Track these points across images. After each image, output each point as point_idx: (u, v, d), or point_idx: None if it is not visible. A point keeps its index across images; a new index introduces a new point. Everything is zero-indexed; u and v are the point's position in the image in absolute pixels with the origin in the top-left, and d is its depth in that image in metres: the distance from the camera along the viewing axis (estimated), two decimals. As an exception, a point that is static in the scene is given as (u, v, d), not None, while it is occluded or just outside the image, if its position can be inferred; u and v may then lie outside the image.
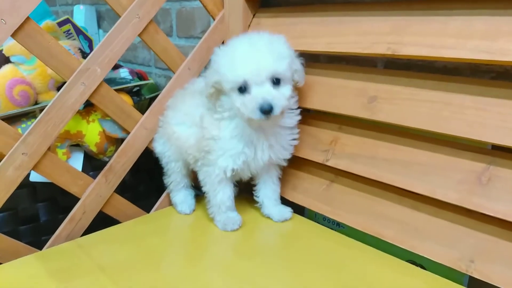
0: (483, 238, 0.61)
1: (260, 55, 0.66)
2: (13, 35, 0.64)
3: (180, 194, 0.86)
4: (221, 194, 0.76)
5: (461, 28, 0.59)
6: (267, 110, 0.64)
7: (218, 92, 0.71)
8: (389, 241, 0.69)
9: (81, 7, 1.47)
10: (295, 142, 0.77)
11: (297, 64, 0.71)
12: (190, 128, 0.77)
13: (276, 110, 0.65)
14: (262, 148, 0.73)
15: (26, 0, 0.64)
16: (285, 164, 0.79)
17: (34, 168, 0.71)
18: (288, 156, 0.78)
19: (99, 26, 1.52)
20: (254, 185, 0.83)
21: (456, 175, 0.63)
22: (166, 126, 0.82)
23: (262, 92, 0.65)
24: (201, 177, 0.78)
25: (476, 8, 0.59)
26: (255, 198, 0.83)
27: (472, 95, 0.61)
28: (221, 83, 0.68)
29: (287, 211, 0.82)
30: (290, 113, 0.74)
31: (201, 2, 0.87)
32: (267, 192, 0.82)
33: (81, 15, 1.47)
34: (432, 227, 0.66)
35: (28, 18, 0.65)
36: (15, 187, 0.69)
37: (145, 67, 1.35)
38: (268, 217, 0.82)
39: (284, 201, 0.85)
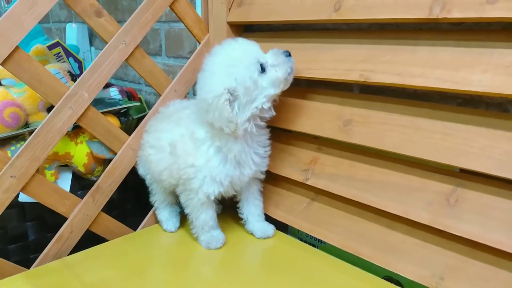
0: (452, 256, 0.64)
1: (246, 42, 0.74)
2: (3, 64, 0.67)
3: (165, 211, 0.88)
4: (203, 215, 0.78)
5: (427, 58, 0.62)
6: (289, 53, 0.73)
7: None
8: (366, 259, 0.72)
9: (74, 25, 1.50)
10: (269, 151, 0.80)
11: None
12: (159, 153, 0.79)
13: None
14: (249, 164, 0.76)
15: (14, 30, 0.67)
16: (263, 176, 0.83)
17: (23, 190, 0.73)
18: (266, 168, 0.81)
19: (91, 44, 1.55)
20: (238, 202, 0.86)
21: (426, 196, 0.66)
22: (143, 149, 0.85)
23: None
24: (182, 200, 0.80)
25: (441, 39, 0.62)
26: (239, 215, 0.86)
27: (440, 120, 0.64)
28: (243, 83, 0.68)
29: (270, 228, 0.85)
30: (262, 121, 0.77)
31: (186, 26, 0.90)
32: (251, 209, 0.85)
33: (73, 33, 1.50)
34: (406, 246, 0.69)
35: (17, 47, 0.68)
36: (3, 209, 0.71)
37: (135, 84, 1.38)
38: (252, 233, 0.84)
39: (268, 218, 0.88)
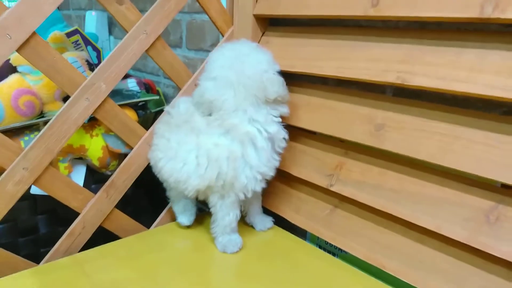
0: (488, 278, 0.59)
1: None
2: (19, 50, 0.64)
3: (180, 204, 0.84)
4: (231, 215, 0.75)
5: (474, 61, 0.57)
6: None
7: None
8: (392, 274, 0.67)
9: (93, 13, 1.47)
10: None
11: None
12: (175, 163, 0.74)
13: None
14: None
15: (32, 15, 0.63)
16: None
17: (35, 183, 0.70)
18: None
19: (110, 33, 1.53)
20: None
21: (463, 212, 0.61)
22: (154, 151, 0.79)
23: None
24: (213, 200, 0.75)
25: (491, 41, 0.57)
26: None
27: (483, 130, 0.59)
28: None
29: (269, 220, 0.86)
30: None
31: (210, 18, 0.86)
32: (253, 201, 0.84)
33: (92, 21, 1.47)
34: (437, 263, 0.64)
35: (34, 33, 0.64)
36: (14, 202, 0.68)
37: (154, 76, 1.35)
38: (251, 226, 0.86)
39: (286, 223, 0.85)
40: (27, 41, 0.64)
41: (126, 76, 1.10)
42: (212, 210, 0.77)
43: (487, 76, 0.55)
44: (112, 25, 1.52)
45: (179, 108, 0.77)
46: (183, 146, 0.73)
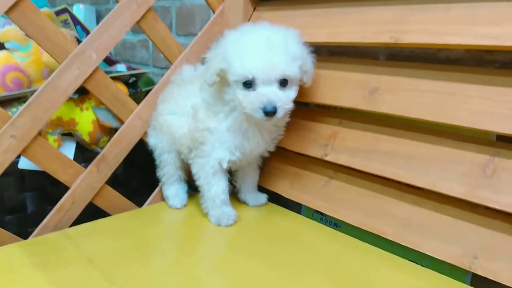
0: (487, 233, 0.59)
1: (274, 54, 0.63)
2: (7, 13, 0.63)
3: (172, 187, 0.84)
4: (215, 187, 0.74)
5: (464, 15, 0.58)
6: (270, 112, 0.63)
7: (221, 82, 0.68)
8: (390, 239, 0.67)
9: (81, 6, 1.46)
10: (281, 137, 0.78)
11: (309, 64, 0.69)
12: (182, 118, 0.76)
13: (279, 113, 0.64)
14: (257, 142, 0.73)
15: (22, -23, 0.63)
16: (268, 155, 0.80)
17: (23, 152, 0.68)
18: (273, 149, 0.78)
19: (98, 26, 1.52)
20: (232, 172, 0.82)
21: (460, 168, 0.61)
22: (158, 118, 0.81)
23: (269, 92, 0.63)
24: (194, 170, 0.76)
25: (480, -5, 0.58)
26: (233, 183, 0.83)
27: (477, 84, 0.59)
28: (226, 73, 0.65)
29: (262, 197, 0.84)
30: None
31: (201, -6, 0.86)
32: (246, 179, 0.83)
33: (80, 14, 1.46)
34: (435, 223, 0.64)
35: (23, -5, 0.63)
36: (1, 171, 0.66)
37: (142, 66, 1.34)
38: (245, 202, 0.84)
39: (281, 203, 0.84)
40: (16, 4, 0.63)
41: (115, 62, 1.09)
42: (197, 183, 0.76)
43: (478, 27, 0.56)
44: (100, 18, 1.51)
45: (187, 72, 0.82)
46: (189, 98, 0.75)
